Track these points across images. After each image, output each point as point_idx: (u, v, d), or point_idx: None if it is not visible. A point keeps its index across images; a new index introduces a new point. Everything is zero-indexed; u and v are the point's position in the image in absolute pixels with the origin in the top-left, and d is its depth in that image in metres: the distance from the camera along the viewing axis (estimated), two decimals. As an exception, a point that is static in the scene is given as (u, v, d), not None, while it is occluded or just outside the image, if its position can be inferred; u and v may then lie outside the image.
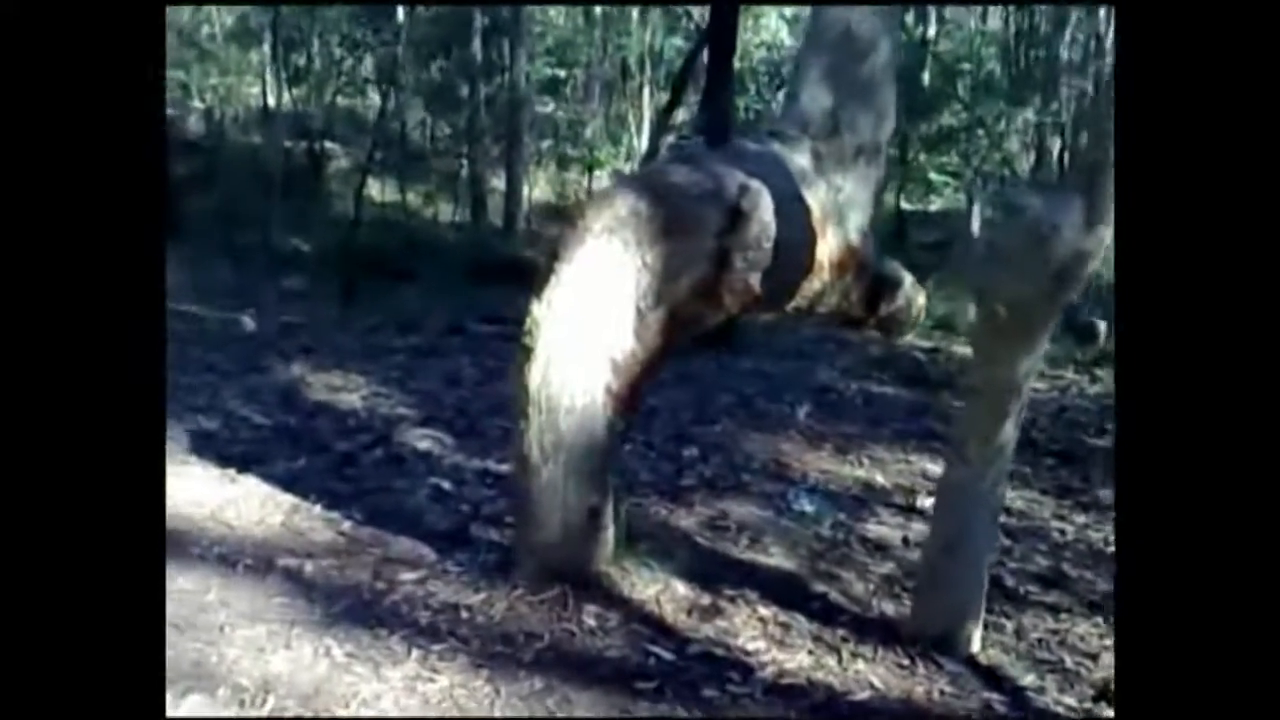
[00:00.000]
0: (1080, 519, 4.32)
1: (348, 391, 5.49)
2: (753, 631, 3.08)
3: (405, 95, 12.01)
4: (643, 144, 13.49)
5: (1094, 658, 3.09)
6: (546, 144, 13.15)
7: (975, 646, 3.00)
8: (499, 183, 10.71)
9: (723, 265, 3.16)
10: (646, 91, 13.70)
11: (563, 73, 15.02)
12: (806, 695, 2.78)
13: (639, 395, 3.31)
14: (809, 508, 4.22)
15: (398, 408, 5.19)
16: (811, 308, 3.36)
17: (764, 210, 3.13)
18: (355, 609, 3.09)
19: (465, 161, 11.21)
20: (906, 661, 2.95)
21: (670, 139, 11.00)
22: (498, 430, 4.93)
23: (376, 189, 11.58)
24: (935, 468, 4.79)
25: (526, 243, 9.80)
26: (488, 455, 4.54)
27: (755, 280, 3.19)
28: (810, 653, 3.00)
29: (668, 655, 2.93)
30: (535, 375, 3.14)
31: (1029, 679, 2.93)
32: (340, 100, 13.90)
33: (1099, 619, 3.33)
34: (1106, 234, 2.54)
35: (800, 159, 3.29)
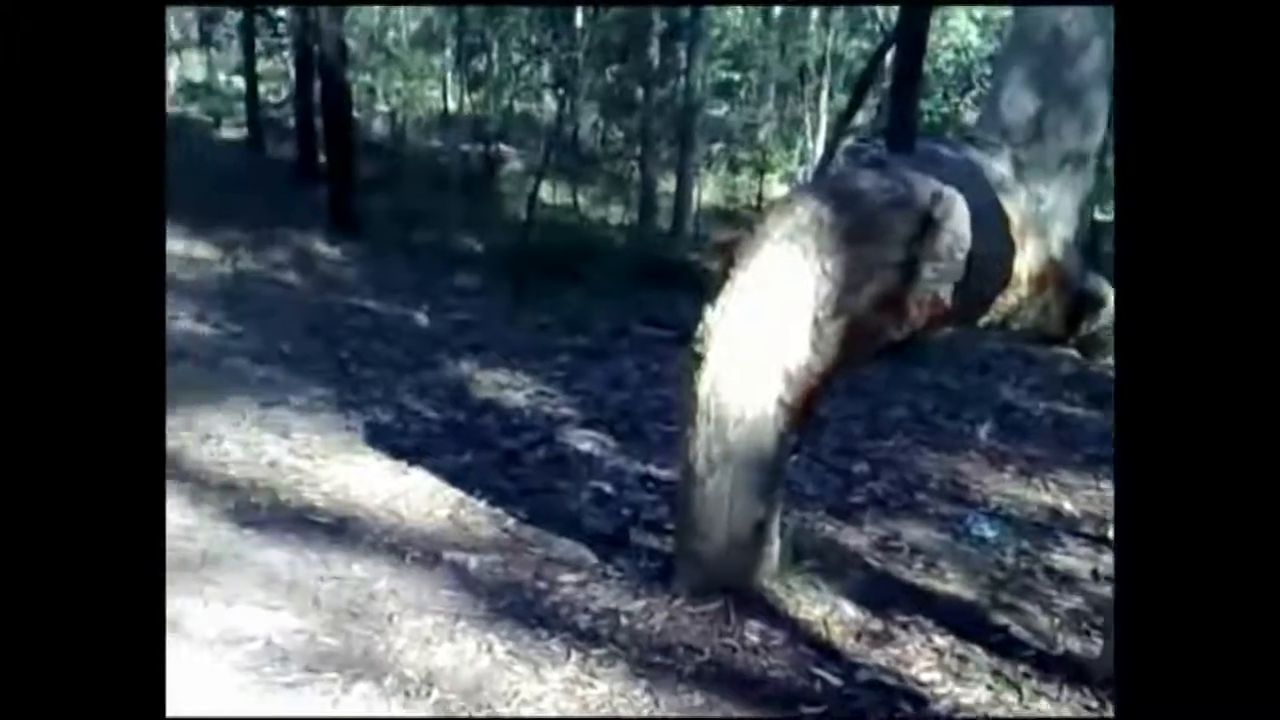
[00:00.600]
0: None
1: (514, 389, 5.55)
2: (927, 661, 2.92)
3: (580, 99, 12.18)
4: (818, 148, 13.26)
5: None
6: (718, 147, 13.09)
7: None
8: (668, 186, 10.71)
9: (910, 276, 3.01)
10: (824, 94, 13.47)
11: (737, 75, 14.94)
12: (984, 734, 2.61)
13: (813, 409, 3.19)
14: (989, 533, 3.99)
15: (562, 408, 5.22)
16: (1006, 323, 3.17)
17: (958, 219, 2.97)
18: (517, 607, 3.10)
19: (636, 165, 11.28)
20: (1094, 704, 2.73)
21: (848, 142, 10.77)
22: (659, 434, 4.89)
23: (549, 191, 11.78)
24: (1125, 498, 4.49)
25: (692, 246, 9.76)
26: (649, 459, 4.50)
27: (945, 293, 3.02)
28: (989, 688, 2.81)
29: (834, 680, 2.81)
30: (705, 383, 3.07)
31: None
32: (516, 104, 14.23)
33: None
34: None
35: (999, 166, 3.10)
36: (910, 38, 6.54)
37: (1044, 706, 2.72)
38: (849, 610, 3.16)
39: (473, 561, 3.34)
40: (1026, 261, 3.08)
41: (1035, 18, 3.17)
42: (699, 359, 3.08)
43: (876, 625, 3.09)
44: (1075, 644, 3.10)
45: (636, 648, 2.91)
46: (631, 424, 4.98)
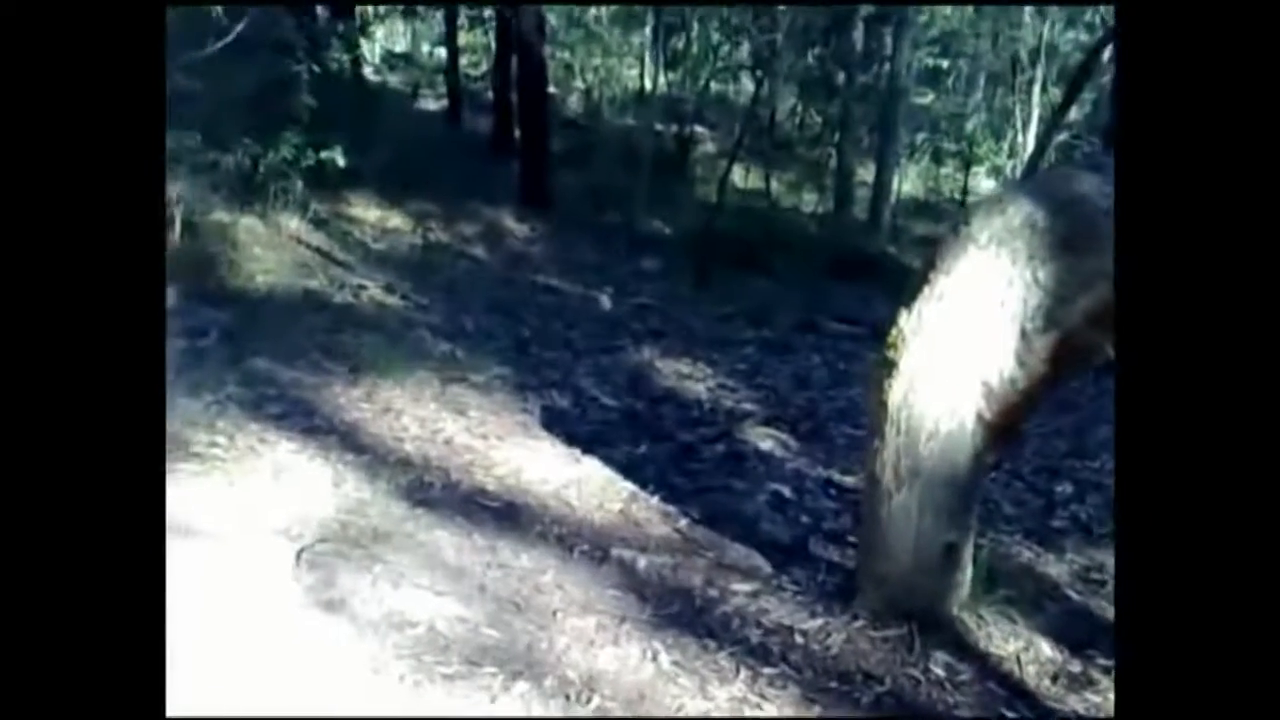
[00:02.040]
0: None
1: (694, 380, 5.45)
2: (1130, 716, 2.64)
3: (778, 82, 11.93)
4: (1028, 141, 12.56)
5: None
6: (922, 136, 12.57)
7: None
8: (866, 175, 10.35)
9: (1132, 288, 2.71)
10: (1037, 87, 12.72)
11: (945, 63, 14.29)
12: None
13: (1017, 427, 2.94)
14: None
15: (743, 402, 5.07)
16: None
17: (1188, 227, 2.65)
18: (686, 614, 2.99)
19: (833, 151, 10.95)
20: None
21: (1061, 137, 10.14)
22: (844, 438, 4.69)
23: (741, 176, 11.60)
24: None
25: (890, 239, 9.39)
26: (832, 464, 4.31)
27: (1170, 308, 2.71)
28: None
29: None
30: (897, 392, 2.87)
31: None
32: (713, 85, 14.07)
33: None
34: None
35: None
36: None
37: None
38: (1046, 648, 2.91)
39: (641, 561, 3.26)
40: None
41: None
42: (891, 365, 2.88)
43: (1075, 667, 2.83)
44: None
45: (810, 670, 2.76)
46: (815, 425, 4.79)
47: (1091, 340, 2.81)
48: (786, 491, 3.96)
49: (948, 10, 12.57)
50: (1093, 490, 4.28)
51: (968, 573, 3.03)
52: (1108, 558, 3.60)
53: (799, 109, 12.69)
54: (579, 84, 15.77)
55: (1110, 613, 3.21)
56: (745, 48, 12.81)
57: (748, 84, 13.46)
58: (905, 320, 2.87)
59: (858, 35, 8.75)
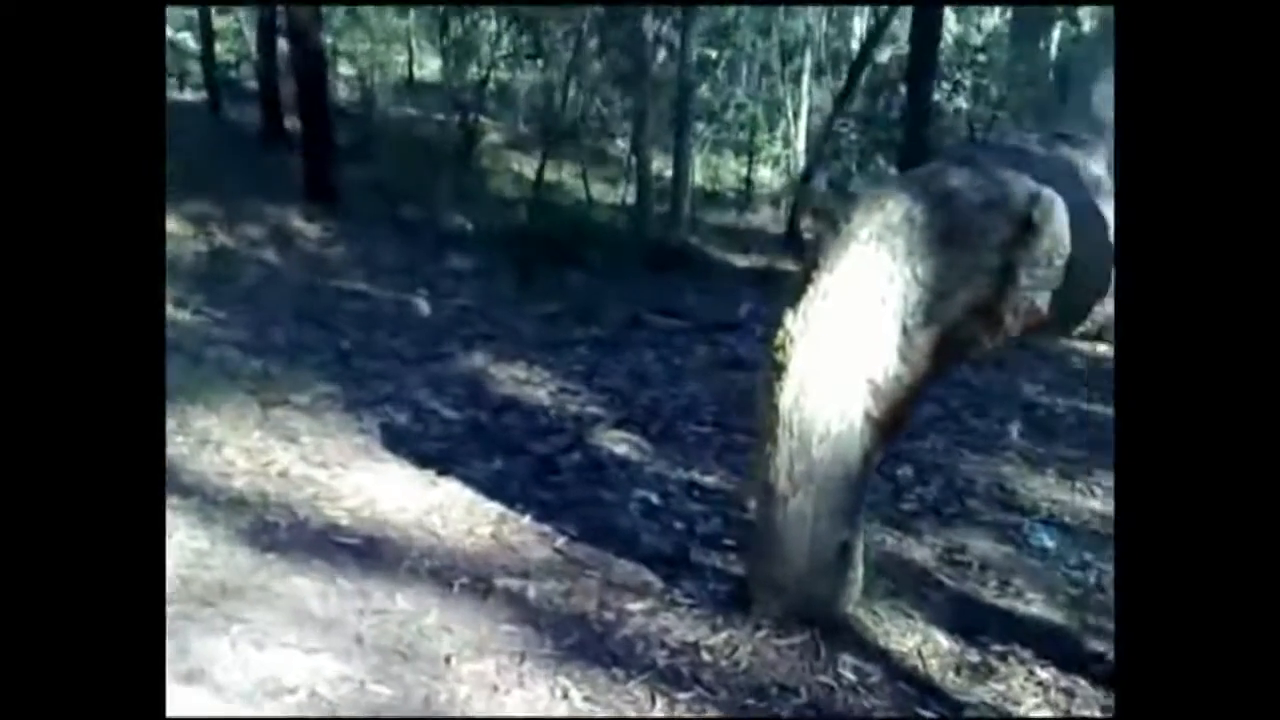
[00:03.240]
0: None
1: (533, 385, 5.27)
2: (1034, 698, 2.73)
3: (571, 72, 11.78)
4: (800, 131, 13.00)
5: None
6: (700, 126, 12.77)
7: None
8: (659, 165, 10.41)
9: (1006, 283, 2.78)
10: (806, 77, 13.18)
11: (714, 53, 14.57)
12: (1111, 784, 2.43)
13: (902, 422, 2.97)
14: (1049, 543, 3.81)
15: (588, 406, 4.95)
16: (1103, 334, 2.95)
17: (1057, 223, 2.74)
18: (587, 643, 2.86)
19: (625, 141, 10.93)
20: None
21: (842, 126, 10.58)
22: (694, 436, 4.66)
23: (531, 167, 11.42)
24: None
25: (690, 230, 9.49)
26: (690, 465, 4.27)
27: (1043, 301, 2.80)
28: (1104, 728, 2.63)
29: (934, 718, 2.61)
30: (788, 396, 2.83)
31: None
32: (495, 74, 13.76)
33: None
34: None
35: (1095, 167, 2.88)
36: (924, 34, 6.32)
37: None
38: (942, 640, 2.96)
39: (530, 590, 3.09)
40: (1133, 267, 2.86)
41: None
42: (780, 368, 2.84)
43: (974, 656, 2.89)
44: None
45: (725, 689, 2.69)
46: (664, 424, 4.73)
47: (971, 333, 2.88)
48: (654, 498, 3.88)
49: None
50: (933, 472, 4.44)
51: (860, 571, 3.05)
52: (963, 538, 3.74)
53: (583, 99, 12.62)
54: (347, 70, 15.03)
55: (985, 594, 3.33)
56: (528, 35, 12.59)
57: (533, 73, 13.25)
58: (791, 321, 2.83)
59: (648, 25, 8.75)
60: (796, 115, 13.27)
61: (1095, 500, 4.32)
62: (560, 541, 3.43)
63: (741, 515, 3.79)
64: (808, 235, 10.00)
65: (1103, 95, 2.91)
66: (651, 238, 8.76)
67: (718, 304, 7.19)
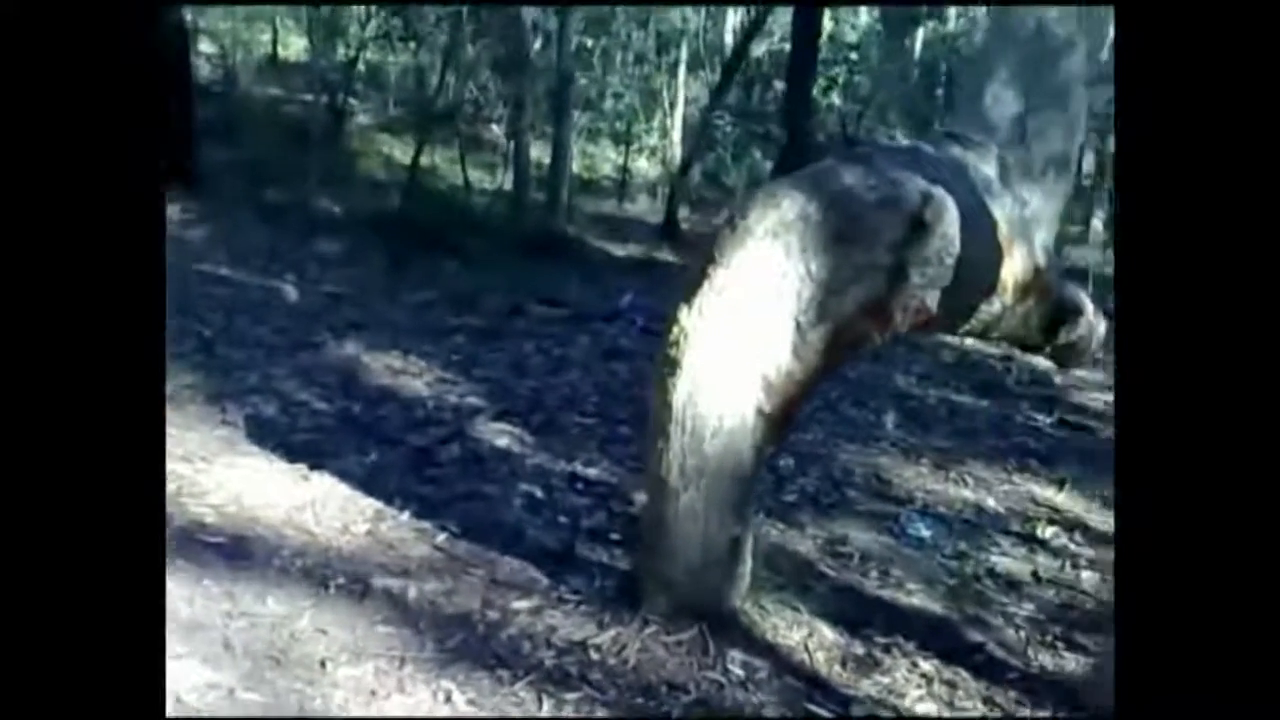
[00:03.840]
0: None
1: (410, 376, 5.11)
2: (918, 690, 2.76)
3: (435, 55, 11.52)
4: (676, 122, 13.05)
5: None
6: (576, 114, 12.65)
7: None
8: (536, 152, 10.27)
9: (897, 281, 2.81)
10: (682, 68, 13.24)
11: (589, 41, 14.48)
12: (995, 775, 2.47)
13: (793, 418, 2.97)
14: (925, 533, 3.90)
15: (467, 397, 4.83)
16: (987, 331, 3.02)
17: (948, 222, 2.78)
18: (470, 645, 2.76)
19: (506, 129, 10.71)
20: (1097, 737, 2.64)
21: (718, 119, 10.68)
22: (577, 427, 4.60)
23: (403, 151, 11.14)
24: (1043, 492, 4.50)
25: (568, 218, 9.39)
26: (573, 457, 4.20)
27: (932, 300, 2.84)
28: (985, 719, 2.68)
29: (830, 717, 2.62)
30: (681, 391, 2.80)
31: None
32: (365, 55, 13.35)
33: None
34: None
35: (985, 168, 2.93)
36: (804, 31, 6.39)
37: (1048, 740, 2.61)
38: (828, 632, 2.97)
39: (410, 590, 2.98)
40: (1012, 269, 2.93)
41: (1020, 12, 3.01)
42: (674, 364, 2.80)
43: (859, 649, 2.92)
44: (1048, 660, 3.01)
45: (614, 688, 2.64)
46: (545, 415, 4.65)
47: (862, 330, 2.90)
48: (537, 491, 3.80)
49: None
50: (810, 462, 4.49)
51: (748, 565, 3.04)
52: (843, 530, 3.78)
53: (465, 84, 12.36)
54: (210, 48, 14.37)
55: (867, 586, 3.38)
56: (398, 18, 12.25)
57: (405, 55, 12.91)
58: (686, 316, 2.80)
59: (526, 12, 8.61)
60: (673, 106, 13.32)
61: (967, 490, 4.44)
62: (441, 538, 3.32)
63: (627, 508, 3.76)
64: (685, 226, 10.06)
65: (994, 96, 2.97)
66: (530, 225, 8.65)
67: (597, 293, 7.14)
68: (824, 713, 2.61)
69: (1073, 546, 3.91)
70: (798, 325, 2.81)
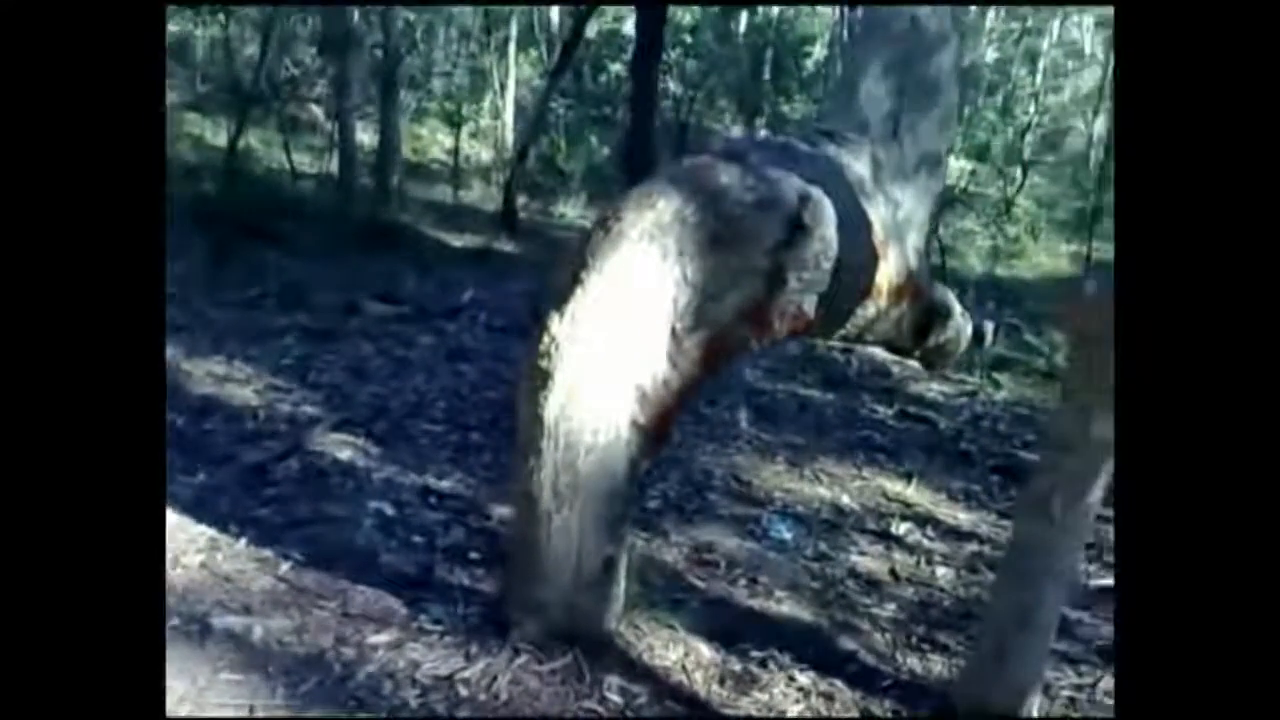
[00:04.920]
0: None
1: (237, 383, 4.72)
2: (797, 705, 2.70)
3: (247, 28, 10.84)
4: (508, 103, 12.75)
5: None
6: (403, 94, 12.16)
7: (1035, 715, 2.72)
8: (363, 135, 9.79)
9: (775, 286, 2.73)
10: (513, 46, 12.94)
11: (412, 16, 13.96)
12: (882, 792, 2.43)
13: (669, 431, 2.85)
14: (786, 535, 3.87)
15: (302, 405, 4.49)
16: (862, 336, 2.98)
17: (826, 225, 2.72)
18: (326, 688, 2.53)
19: (329, 110, 10.15)
20: (972, 744, 2.64)
21: (553, 102, 10.46)
22: (425, 436, 4.35)
23: (211, 131, 10.44)
24: (893, 486, 4.57)
25: (400, 205, 8.99)
26: (423, 469, 3.96)
27: (810, 305, 2.78)
28: (865, 732, 2.65)
29: (714, 742, 2.52)
30: (553, 405, 2.63)
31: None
32: (171, 27, 12.44)
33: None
34: None
35: (860, 167, 2.88)
36: (650, 15, 6.29)
37: (928, 750, 2.59)
38: (704, 650, 2.88)
39: (255, 628, 2.70)
40: (887, 272, 2.89)
41: (893, 7, 2.97)
42: (545, 376, 2.63)
43: (736, 665, 2.83)
44: (916, 664, 3.01)
45: (489, 729, 2.46)
46: (390, 424, 4.38)
47: (739, 337, 2.81)
48: (388, 509, 3.55)
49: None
50: (670, 466, 4.40)
51: (623, 584, 2.91)
52: (707, 536, 3.71)
53: (281, 60, 11.67)
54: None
55: (736, 596, 3.30)
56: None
57: (214, 28, 12.08)
58: (557, 324, 2.62)
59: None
60: (504, 87, 13.01)
61: (822, 487, 4.45)
62: (284, 568, 3.04)
63: (485, 523, 3.57)
64: (523, 215, 9.82)
65: (868, 92, 2.92)
66: (359, 213, 8.23)
67: (437, 288, 6.84)
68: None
69: (926, 542, 3.97)
70: (674, 333, 2.69)
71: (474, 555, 3.29)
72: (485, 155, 12.87)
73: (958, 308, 3.35)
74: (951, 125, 3.14)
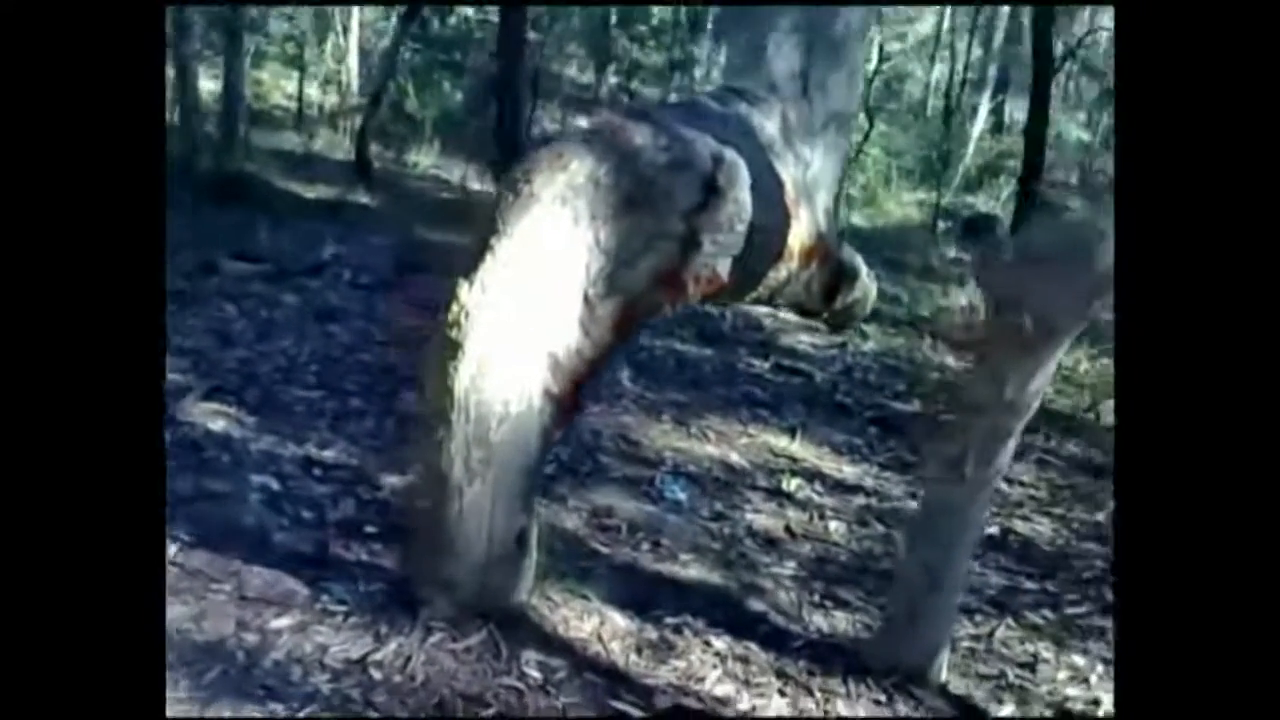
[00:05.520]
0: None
1: (90, 348, 4.38)
2: (714, 671, 2.71)
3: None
4: (351, 45, 12.20)
5: (1028, 667, 3.00)
6: (249, 36, 11.48)
7: (944, 674, 2.81)
8: (205, 81, 9.18)
9: (690, 249, 2.69)
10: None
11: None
12: (804, 752, 2.47)
13: (579, 400, 2.78)
14: (681, 495, 3.88)
15: (169, 373, 4.20)
16: (773, 298, 2.97)
17: (740, 187, 2.69)
18: (232, 678, 2.40)
19: (170, 55, 9.46)
20: (883, 698, 2.70)
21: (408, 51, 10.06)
22: (300, 403, 4.14)
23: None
24: (778, 441, 4.63)
25: (246, 154, 8.50)
26: (304, 438, 3.77)
27: (724, 268, 2.75)
28: (782, 693, 2.68)
29: (637, 714, 2.51)
30: (463, 377, 2.53)
31: (999, 707, 2.78)
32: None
33: (1009, 619, 3.25)
34: None
35: (770, 126, 2.85)
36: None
37: (841, 709, 2.64)
38: (619, 620, 2.85)
39: (145, 619, 2.52)
40: (799, 233, 2.88)
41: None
42: (455, 346, 2.52)
43: (651, 633, 2.82)
44: (822, 621, 3.07)
45: (405, 709, 2.38)
46: (262, 391, 4.15)
47: (653, 302, 2.76)
48: (273, 483, 3.37)
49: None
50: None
51: (534, 557, 2.85)
52: (604, 499, 3.68)
53: None
54: None
55: (641, 560, 3.29)
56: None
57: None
58: (467, 293, 2.52)
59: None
60: (346, 30, 12.43)
61: (711, 446, 4.48)
62: (172, 550, 2.84)
63: (376, 494, 3.43)
64: (377, 164, 9.44)
65: (775, 48, 2.88)
66: (205, 165, 7.73)
67: (296, 243, 6.50)
68: (634, 711, 2.50)
69: (816, 498, 4.04)
70: (586, 299, 2.63)
71: (369, 529, 3.16)
72: (330, 101, 12.30)
73: (864, 268, 3.39)
74: (859, 83, 3.14)
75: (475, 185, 9.22)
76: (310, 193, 8.45)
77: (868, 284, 3.42)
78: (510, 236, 2.52)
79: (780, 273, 2.86)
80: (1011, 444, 2.62)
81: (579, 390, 2.72)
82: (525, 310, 2.55)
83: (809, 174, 2.92)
